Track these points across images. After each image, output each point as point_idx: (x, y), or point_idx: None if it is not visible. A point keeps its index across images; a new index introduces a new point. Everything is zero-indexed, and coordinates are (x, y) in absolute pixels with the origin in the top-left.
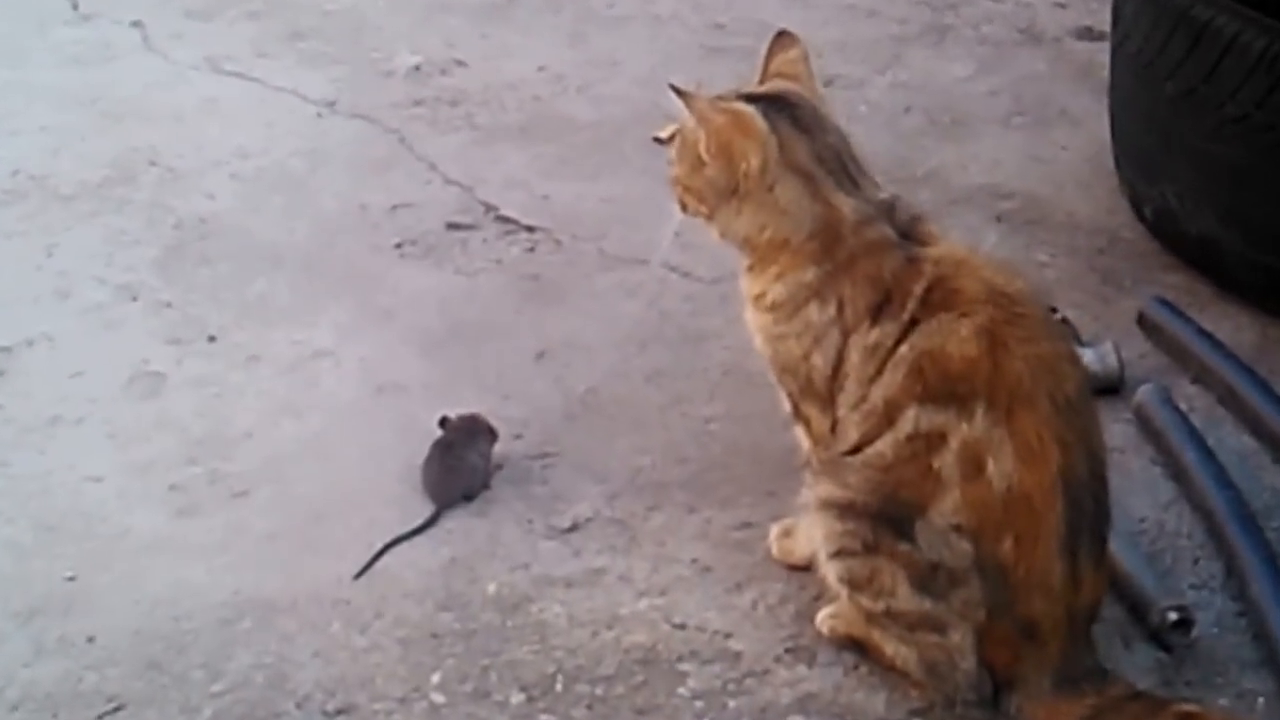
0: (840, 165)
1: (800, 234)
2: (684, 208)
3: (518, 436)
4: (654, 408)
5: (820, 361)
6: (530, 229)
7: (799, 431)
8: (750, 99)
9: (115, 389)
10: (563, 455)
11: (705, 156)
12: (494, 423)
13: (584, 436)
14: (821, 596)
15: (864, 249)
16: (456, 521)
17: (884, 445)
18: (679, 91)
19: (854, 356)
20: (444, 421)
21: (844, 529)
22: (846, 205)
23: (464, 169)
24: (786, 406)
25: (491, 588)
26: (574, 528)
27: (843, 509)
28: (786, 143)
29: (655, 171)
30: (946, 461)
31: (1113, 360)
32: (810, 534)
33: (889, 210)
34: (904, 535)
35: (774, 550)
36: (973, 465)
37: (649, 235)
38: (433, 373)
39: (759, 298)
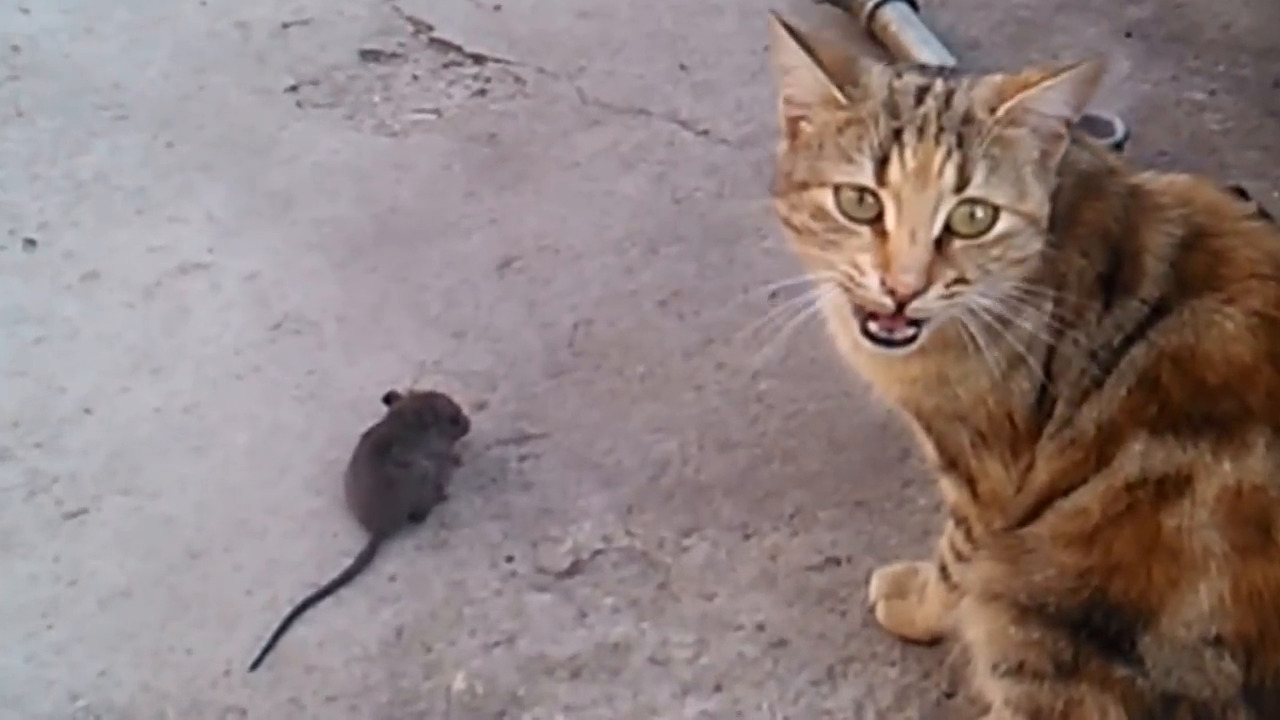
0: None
1: None
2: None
3: (481, 406)
4: (677, 353)
5: (1024, 385)
6: (478, 59)
7: (946, 484)
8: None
9: None
10: (550, 437)
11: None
12: (445, 386)
13: (578, 405)
14: (958, 693)
15: (1084, 184)
16: (401, 560)
17: (1088, 497)
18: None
19: (1075, 361)
20: (390, 398)
21: (1024, 638)
22: None
23: None
24: (934, 457)
25: (459, 680)
26: (575, 569)
27: (1023, 610)
28: None
29: None
30: (1196, 520)
31: None
32: (950, 610)
33: None
34: (1120, 654)
35: (880, 614)
36: (1250, 528)
37: (646, 70)
38: (351, 298)
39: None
